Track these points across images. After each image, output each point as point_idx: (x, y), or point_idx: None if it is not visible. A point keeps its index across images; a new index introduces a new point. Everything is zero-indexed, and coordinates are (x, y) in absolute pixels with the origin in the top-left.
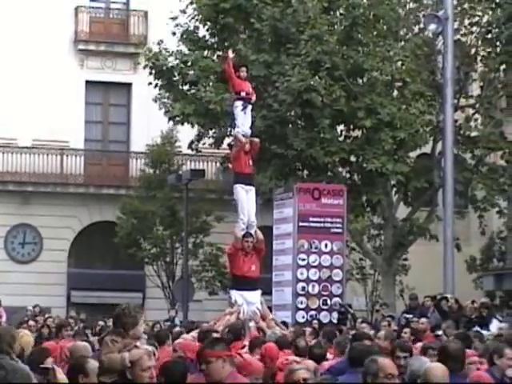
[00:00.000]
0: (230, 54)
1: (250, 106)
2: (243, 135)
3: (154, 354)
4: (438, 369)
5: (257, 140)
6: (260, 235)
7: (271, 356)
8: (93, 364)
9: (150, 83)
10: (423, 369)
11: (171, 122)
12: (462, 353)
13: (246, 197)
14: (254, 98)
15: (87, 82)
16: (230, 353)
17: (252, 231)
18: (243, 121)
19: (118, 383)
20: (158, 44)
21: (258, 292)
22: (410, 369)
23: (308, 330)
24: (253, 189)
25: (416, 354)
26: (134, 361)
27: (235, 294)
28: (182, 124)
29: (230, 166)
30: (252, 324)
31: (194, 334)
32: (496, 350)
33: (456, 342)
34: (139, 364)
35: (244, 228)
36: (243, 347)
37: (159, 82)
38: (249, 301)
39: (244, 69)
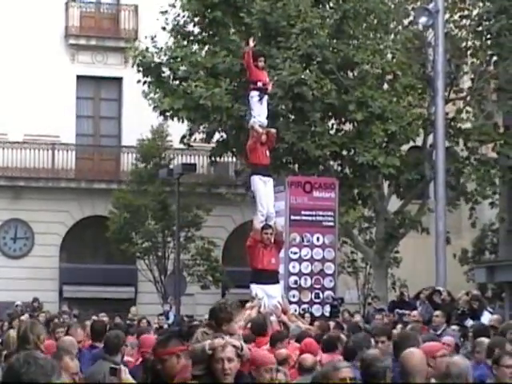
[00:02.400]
0: (251, 43)
1: (266, 97)
2: (260, 125)
3: (242, 349)
4: (415, 354)
5: (273, 130)
6: (279, 227)
7: (311, 351)
8: (67, 362)
9: (139, 81)
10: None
11: (162, 117)
12: None
13: (264, 188)
14: (270, 88)
15: (78, 76)
16: (183, 347)
17: (271, 223)
18: (259, 111)
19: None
20: (149, 39)
21: (279, 285)
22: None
23: (332, 323)
24: (271, 180)
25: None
26: (213, 350)
27: (255, 288)
28: (172, 119)
29: (218, 159)
30: (273, 318)
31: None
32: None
33: None
34: (216, 354)
35: (263, 220)
36: (267, 342)
37: (148, 79)
38: (269, 294)
39: (262, 58)
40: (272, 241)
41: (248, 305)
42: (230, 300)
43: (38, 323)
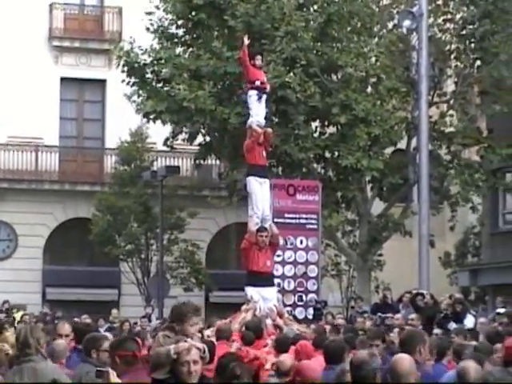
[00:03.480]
0: (246, 41)
1: (264, 96)
2: (257, 125)
3: (204, 351)
4: (404, 360)
5: (270, 130)
6: (275, 229)
7: (307, 353)
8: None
9: (123, 81)
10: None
11: (145, 119)
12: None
13: (260, 190)
14: (268, 87)
15: (62, 78)
16: (124, 352)
17: (266, 225)
18: (257, 111)
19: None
20: (131, 43)
21: (274, 288)
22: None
23: (328, 327)
24: (267, 181)
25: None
26: (178, 354)
27: (251, 291)
28: (154, 122)
29: (202, 162)
30: (269, 321)
31: (209, 332)
32: None
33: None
34: (181, 357)
35: (258, 222)
36: (265, 346)
37: (132, 80)
38: (265, 297)
39: (259, 57)
40: (267, 243)
41: (243, 308)
42: (188, 301)
43: (38, 327)
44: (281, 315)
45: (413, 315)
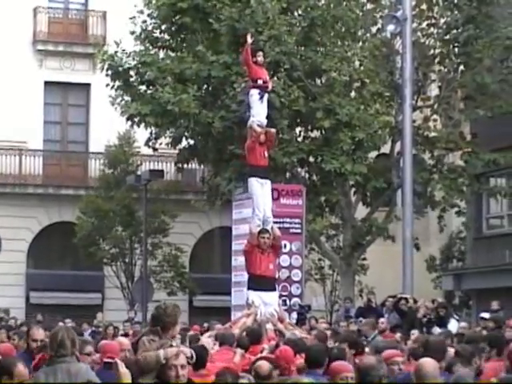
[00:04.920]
0: (249, 40)
1: (266, 95)
2: (259, 125)
3: (192, 357)
4: (429, 363)
5: (273, 130)
6: (277, 232)
7: (286, 358)
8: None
9: (108, 84)
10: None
11: (129, 122)
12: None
13: (261, 191)
14: (270, 85)
15: (46, 82)
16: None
17: (268, 227)
18: (259, 110)
19: None
20: (116, 44)
21: (276, 293)
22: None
23: (328, 332)
24: (268, 182)
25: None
26: (167, 359)
27: (252, 295)
28: (138, 126)
29: (186, 166)
30: (269, 326)
31: (208, 336)
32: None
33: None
34: (169, 362)
35: (260, 224)
36: (262, 351)
37: (116, 84)
38: (266, 302)
39: (261, 53)
40: (269, 246)
41: (244, 312)
42: (169, 303)
43: (71, 329)
44: (282, 320)
45: (382, 319)
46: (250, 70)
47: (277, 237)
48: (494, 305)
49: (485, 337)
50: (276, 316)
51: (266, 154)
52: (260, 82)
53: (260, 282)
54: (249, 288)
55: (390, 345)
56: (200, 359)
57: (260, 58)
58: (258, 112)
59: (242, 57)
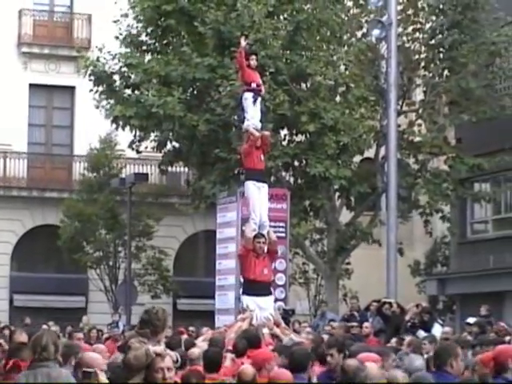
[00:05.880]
0: (243, 42)
1: (259, 99)
2: (254, 129)
3: (177, 361)
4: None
5: (267, 133)
6: (273, 236)
7: (258, 362)
8: None
9: (91, 90)
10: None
11: (114, 125)
12: None
13: (258, 195)
14: (263, 89)
15: (31, 85)
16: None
17: (264, 232)
18: (253, 114)
19: None
20: (100, 49)
21: (271, 297)
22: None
23: (325, 336)
24: (265, 186)
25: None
26: (154, 361)
27: (247, 299)
28: (123, 129)
29: (170, 169)
30: (266, 331)
31: (202, 342)
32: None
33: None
34: (155, 364)
35: (255, 228)
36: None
37: (100, 89)
38: (261, 306)
39: (254, 57)
40: (265, 250)
41: (239, 317)
42: (158, 307)
43: (55, 333)
44: (278, 324)
45: (367, 323)
46: (244, 73)
47: (272, 241)
48: (483, 310)
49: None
50: (272, 320)
51: (263, 158)
52: (254, 85)
53: (254, 287)
54: (243, 292)
55: (362, 349)
56: (215, 362)
57: (253, 61)
58: (253, 115)
59: (236, 60)
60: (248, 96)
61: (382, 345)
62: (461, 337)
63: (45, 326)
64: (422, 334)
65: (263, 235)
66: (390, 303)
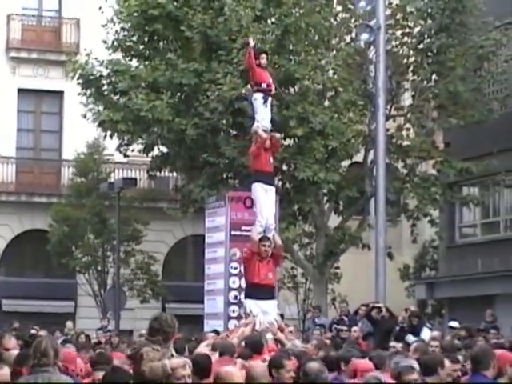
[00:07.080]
0: (251, 42)
1: (270, 99)
2: (264, 130)
3: (189, 366)
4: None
5: (278, 135)
6: (278, 240)
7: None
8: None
9: (80, 93)
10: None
11: (101, 129)
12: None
13: (265, 197)
14: (273, 89)
15: (19, 89)
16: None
17: (270, 235)
18: (263, 115)
19: None
20: (87, 54)
21: (275, 302)
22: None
23: (327, 341)
24: (273, 189)
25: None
26: (174, 369)
27: (250, 303)
28: (111, 137)
29: (158, 173)
30: (269, 336)
31: (205, 347)
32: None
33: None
34: (177, 372)
35: (261, 231)
36: (264, 361)
37: (88, 92)
38: (265, 311)
39: (264, 56)
40: (269, 254)
41: (242, 322)
42: (166, 314)
43: (56, 339)
44: (281, 329)
45: (355, 327)
46: (254, 72)
47: (278, 245)
48: (488, 315)
49: None
50: (276, 325)
51: (272, 160)
52: (264, 85)
53: (258, 291)
54: (246, 296)
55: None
56: (205, 368)
57: (263, 60)
58: (263, 117)
59: (246, 60)
60: (258, 96)
61: (371, 349)
62: (447, 340)
63: (33, 331)
64: (411, 338)
65: (269, 238)
66: (379, 308)
